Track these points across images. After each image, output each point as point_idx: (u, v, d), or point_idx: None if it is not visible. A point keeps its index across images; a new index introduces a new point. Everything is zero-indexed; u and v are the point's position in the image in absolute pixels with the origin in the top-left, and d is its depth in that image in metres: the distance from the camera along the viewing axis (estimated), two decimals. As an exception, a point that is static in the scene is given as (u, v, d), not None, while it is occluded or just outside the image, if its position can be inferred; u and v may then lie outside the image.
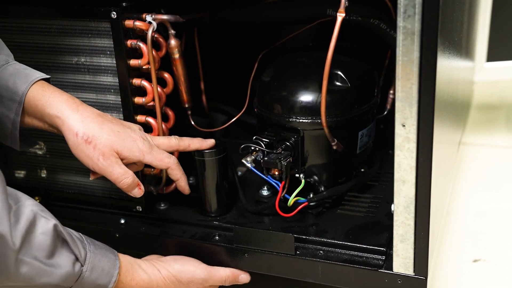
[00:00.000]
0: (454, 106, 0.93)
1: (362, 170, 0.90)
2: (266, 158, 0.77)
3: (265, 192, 0.86)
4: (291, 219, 0.81)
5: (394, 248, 0.70)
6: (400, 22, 0.59)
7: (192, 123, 0.91)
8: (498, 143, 1.28)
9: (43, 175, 0.89)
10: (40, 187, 0.90)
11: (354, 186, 0.86)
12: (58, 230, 0.65)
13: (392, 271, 0.71)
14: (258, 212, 0.84)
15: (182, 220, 0.84)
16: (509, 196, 1.07)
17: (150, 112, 0.82)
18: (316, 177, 0.83)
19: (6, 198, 0.60)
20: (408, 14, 0.58)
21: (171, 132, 0.84)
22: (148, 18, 0.78)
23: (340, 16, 0.68)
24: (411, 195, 0.66)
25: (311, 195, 0.82)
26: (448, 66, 0.73)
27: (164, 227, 0.84)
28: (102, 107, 0.82)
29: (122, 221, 0.86)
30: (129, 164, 0.75)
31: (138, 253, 0.79)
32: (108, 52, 0.78)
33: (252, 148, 0.78)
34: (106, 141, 0.71)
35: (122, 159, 0.73)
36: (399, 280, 0.71)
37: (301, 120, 0.79)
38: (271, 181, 0.79)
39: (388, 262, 0.72)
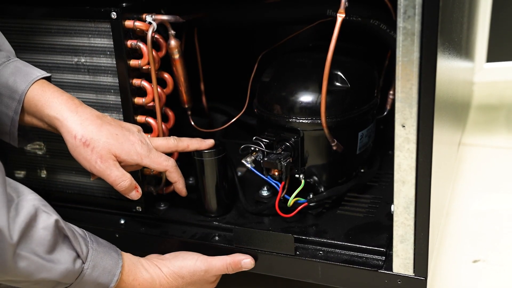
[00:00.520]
0: (454, 107, 0.93)
1: (362, 170, 0.90)
2: (266, 159, 0.77)
3: (265, 193, 0.86)
4: (291, 220, 0.81)
5: (394, 249, 0.70)
6: (400, 23, 0.59)
7: (192, 123, 0.91)
8: (498, 144, 1.28)
9: (43, 175, 0.89)
10: (40, 187, 0.90)
11: (354, 187, 0.86)
12: (59, 225, 0.65)
13: (392, 271, 0.71)
14: (258, 212, 0.84)
15: (182, 220, 0.84)
16: (508, 196, 1.07)
17: (150, 112, 0.82)
18: (316, 178, 0.83)
19: (5, 190, 0.60)
20: (408, 14, 0.58)
21: (171, 132, 0.84)
22: (148, 18, 0.78)
23: (340, 16, 0.68)
24: (411, 195, 0.66)
25: (311, 195, 0.82)
26: (448, 67, 0.73)
27: (164, 227, 0.84)
28: (102, 107, 0.82)
29: (122, 222, 0.86)
30: (127, 166, 0.75)
31: (138, 254, 0.79)
32: (108, 53, 0.79)
33: (252, 148, 0.78)
34: (104, 144, 0.71)
35: (120, 162, 0.73)
36: (399, 281, 0.71)
37: (301, 121, 0.79)
38: (271, 182, 0.79)
39: (388, 262, 0.72)
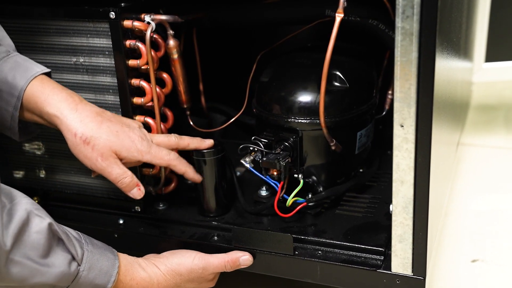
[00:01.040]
0: (452, 107, 0.93)
1: (361, 170, 0.90)
2: (265, 159, 0.77)
3: (263, 193, 0.86)
4: (289, 220, 0.81)
5: (393, 248, 0.70)
6: (399, 23, 0.59)
7: (191, 123, 0.91)
8: (497, 144, 1.28)
9: (42, 175, 0.89)
10: (39, 187, 0.90)
11: (352, 187, 0.86)
12: (53, 229, 0.64)
13: (391, 271, 0.71)
14: (257, 212, 0.84)
15: (180, 220, 0.84)
16: (507, 196, 1.08)
17: (149, 112, 0.82)
18: (314, 178, 0.83)
19: None
20: (406, 14, 0.59)
21: (170, 132, 0.84)
22: (147, 18, 0.78)
23: (339, 16, 0.68)
24: (410, 195, 0.66)
25: (310, 195, 0.82)
26: (446, 67, 0.73)
27: (163, 227, 0.84)
28: (101, 107, 0.81)
29: (121, 222, 0.86)
30: (128, 162, 0.75)
31: (137, 254, 0.79)
32: (106, 52, 0.79)
33: (251, 148, 0.78)
34: (104, 142, 0.71)
35: (121, 159, 0.73)
36: (398, 280, 0.71)
37: (299, 121, 0.79)
38: (269, 182, 0.79)
39: (387, 262, 0.73)
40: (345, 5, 0.69)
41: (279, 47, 0.91)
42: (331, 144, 0.79)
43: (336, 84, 0.79)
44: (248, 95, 0.89)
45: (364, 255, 0.75)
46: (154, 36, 0.79)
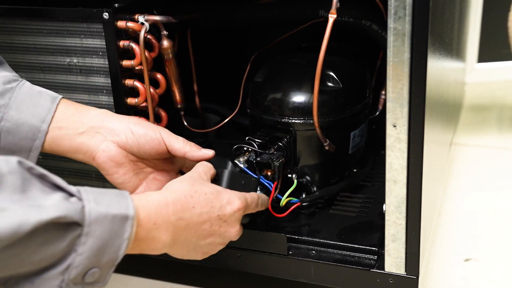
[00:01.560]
0: (445, 107, 0.94)
1: (355, 170, 0.90)
2: (258, 159, 0.77)
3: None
4: (283, 219, 0.81)
5: (386, 248, 0.70)
6: (391, 24, 0.60)
7: (185, 123, 0.91)
8: (489, 144, 1.29)
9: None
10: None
11: (346, 187, 0.86)
12: (26, 165, 0.50)
13: (384, 270, 0.72)
14: (251, 212, 0.84)
15: (175, 220, 0.84)
16: (500, 196, 1.08)
17: (143, 113, 0.82)
18: (308, 178, 0.83)
19: None
20: (398, 15, 0.59)
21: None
22: (141, 19, 0.78)
23: (332, 17, 0.69)
24: (403, 195, 0.67)
25: (304, 195, 0.82)
26: (439, 67, 0.74)
27: (157, 227, 0.84)
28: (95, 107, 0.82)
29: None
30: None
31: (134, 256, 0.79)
32: (100, 53, 0.78)
33: (245, 148, 0.79)
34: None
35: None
36: (391, 280, 0.71)
37: (293, 121, 0.79)
38: (263, 182, 0.79)
39: (380, 261, 0.73)
40: (338, 6, 0.69)
41: (273, 47, 0.91)
42: (325, 144, 0.79)
43: (330, 84, 0.80)
44: (242, 96, 0.89)
45: (357, 254, 0.75)
46: (148, 36, 0.79)
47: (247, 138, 0.79)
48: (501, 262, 0.90)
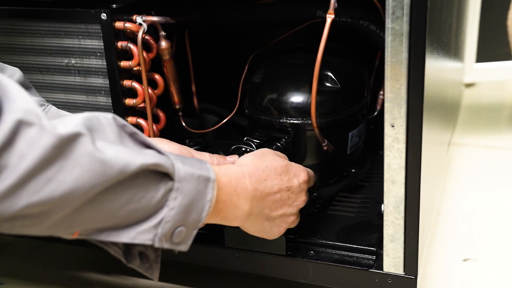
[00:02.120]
0: (443, 107, 0.94)
1: (353, 170, 0.90)
2: (257, 159, 0.77)
3: (256, 193, 0.86)
4: (282, 220, 0.81)
5: (384, 248, 0.70)
6: (389, 24, 0.60)
7: (183, 124, 0.91)
8: (488, 144, 1.29)
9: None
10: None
11: (345, 187, 0.86)
12: (119, 122, 0.53)
13: (383, 270, 0.72)
14: (249, 213, 0.84)
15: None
16: (498, 195, 1.08)
17: (141, 113, 0.82)
18: (307, 178, 0.83)
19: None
20: (396, 15, 0.59)
21: (162, 133, 0.84)
22: (139, 19, 0.78)
23: (330, 17, 0.69)
24: (401, 195, 0.67)
25: (302, 195, 0.82)
26: (437, 67, 0.74)
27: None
28: (93, 109, 0.82)
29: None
30: None
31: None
32: (98, 54, 0.78)
33: (243, 149, 0.78)
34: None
35: None
36: (389, 280, 0.71)
37: (291, 121, 0.79)
38: (262, 182, 0.79)
39: (379, 262, 0.73)
40: (336, 6, 0.69)
41: (271, 48, 0.91)
42: (323, 144, 0.79)
43: (328, 84, 0.80)
44: (240, 96, 0.89)
45: (356, 254, 0.75)
46: (146, 37, 0.79)
47: (245, 138, 0.79)
48: (500, 262, 0.90)
